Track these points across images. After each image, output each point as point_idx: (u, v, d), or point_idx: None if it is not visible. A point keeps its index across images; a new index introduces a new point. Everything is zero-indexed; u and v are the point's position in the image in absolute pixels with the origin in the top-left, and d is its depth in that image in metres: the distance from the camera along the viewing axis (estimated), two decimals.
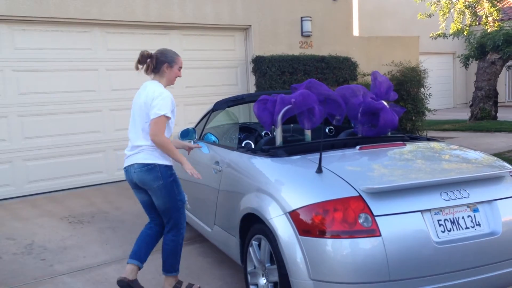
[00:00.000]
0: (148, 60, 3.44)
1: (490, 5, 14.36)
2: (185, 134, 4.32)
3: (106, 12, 7.13)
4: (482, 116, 13.19)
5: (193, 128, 4.39)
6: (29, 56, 6.69)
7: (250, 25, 8.62)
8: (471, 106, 13.75)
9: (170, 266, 3.50)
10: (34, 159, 6.78)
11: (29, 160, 6.76)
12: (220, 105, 4.38)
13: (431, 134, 10.38)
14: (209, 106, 4.54)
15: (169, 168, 3.38)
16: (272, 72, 8.38)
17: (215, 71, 8.44)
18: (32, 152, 6.76)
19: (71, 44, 6.98)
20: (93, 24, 7.14)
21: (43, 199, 6.53)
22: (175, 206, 3.42)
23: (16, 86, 6.61)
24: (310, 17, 9.19)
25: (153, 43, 7.72)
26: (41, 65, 6.78)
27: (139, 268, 3.46)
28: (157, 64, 3.44)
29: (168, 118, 3.32)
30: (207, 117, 4.52)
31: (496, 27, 14.21)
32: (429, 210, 2.60)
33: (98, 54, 7.24)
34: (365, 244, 2.46)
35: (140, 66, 3.47)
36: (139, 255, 3.46)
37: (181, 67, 3.54)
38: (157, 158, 3.34)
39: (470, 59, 13.61)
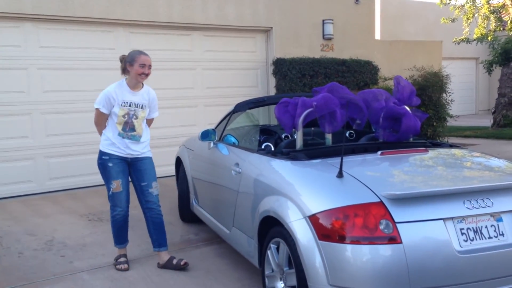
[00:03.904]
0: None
1: None
2: (205, 135, 4.34)
3: (130, 12, 7.21)
4: (505, 123, 12.97)
5: (213, 129, 4.42)
6: (54, 55, 6.80)
7: (271, 27, 8.62)
8: (493, 113, 13.54)
9: None
10: (56, 156, 6.89)
11: (51, 157, 6.87)
12: (241, 107, 4.39)
13: (452, 140, 10.23)
14: (230, 108, 4.55)
15: (101, 152, 3.96)
16: (292, 75, 8.37)
17: (235, 73, 8.46)
18: (54, 149, 6.87)
19: (94, 43, 7.07)
20: (117, 24, 7.22)
21: (64, 196, 6.62)
22: (106, 187, 4.00)
23: (40, 84, 6.73)
24: (332, 20, 9.14)
25: (175, 44, 7.80)
26: (65, 63, 6.88)
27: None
28: (124, 65, 3.94)
29: (99, 110, 3.89)
30: (227, 118, 4.52)
31: None
32: (452, 218, 2.56)
33: (121, 54, 7.28)
34: (386, 251, 2.43)
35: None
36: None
37: (143, 64, 3.86)
38: (100, 144, 4.00)
39: (494, 65, 13.39)
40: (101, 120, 3.97)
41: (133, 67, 3.86)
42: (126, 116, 3.89)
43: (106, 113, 3.91)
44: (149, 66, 3.89)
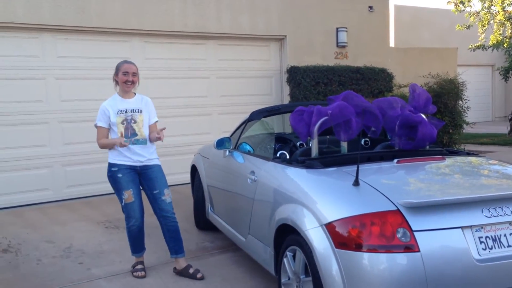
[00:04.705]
0: None
1: None
2: (221, 143, 4.37)
3: (145, 22, 7.29)
4: None
5: (228, 137, 4.45)
6: (71, 65, 6.90)
7: (285, 36, 8.65)
8: (510, 119, 13.38)
9: None
10: (72, 165, 6.98)
11: (68, 166, 6.95)
12: (256, 115, 4.41)
13: (468, 147, 10.14)
14: (245, 116, 4.57)
15: (109, 165, 4.03)
16: (306, 83, 8.38)
17: (249, 81, 8.50)
18: (71, 157, 6.95)
19: (111, 53, 7.15)
20: (133, 34, 7.31)
21: (81, 204, 6.69)
22: (118, 199, 4.03)
23: (58, 93, 6.83)
24: (346, 28, 9.15)
25: (190, 53, 7.87)
26: (82, 73, 6.98)
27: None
28: (113, 77, 4.08)
29: (98, 127, 3.99)
30: (242, 126, 4.55)
31: None
32: (470, 226, 2.54)
33: (136, 63, 7.35)
34: (403, 259, 2.42)
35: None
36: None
37: (126, 72, 3.98)
38: (108, 157, 4.05)
39: (510, 72, 13.25)
40: (100, 136, 4.03)
41: (118, 76, 3.99)
42: (124, 122, 3.96)
43: (105, 127, 4.00)
44: (133, 74, 3.99)
